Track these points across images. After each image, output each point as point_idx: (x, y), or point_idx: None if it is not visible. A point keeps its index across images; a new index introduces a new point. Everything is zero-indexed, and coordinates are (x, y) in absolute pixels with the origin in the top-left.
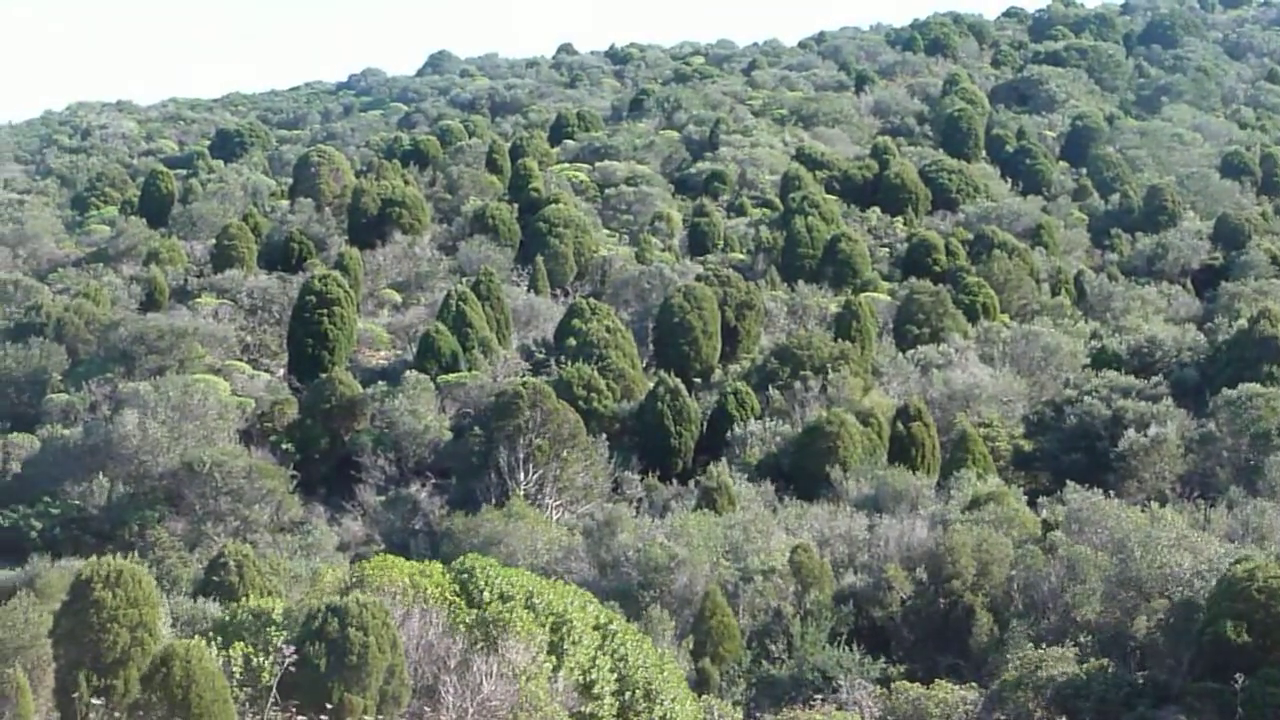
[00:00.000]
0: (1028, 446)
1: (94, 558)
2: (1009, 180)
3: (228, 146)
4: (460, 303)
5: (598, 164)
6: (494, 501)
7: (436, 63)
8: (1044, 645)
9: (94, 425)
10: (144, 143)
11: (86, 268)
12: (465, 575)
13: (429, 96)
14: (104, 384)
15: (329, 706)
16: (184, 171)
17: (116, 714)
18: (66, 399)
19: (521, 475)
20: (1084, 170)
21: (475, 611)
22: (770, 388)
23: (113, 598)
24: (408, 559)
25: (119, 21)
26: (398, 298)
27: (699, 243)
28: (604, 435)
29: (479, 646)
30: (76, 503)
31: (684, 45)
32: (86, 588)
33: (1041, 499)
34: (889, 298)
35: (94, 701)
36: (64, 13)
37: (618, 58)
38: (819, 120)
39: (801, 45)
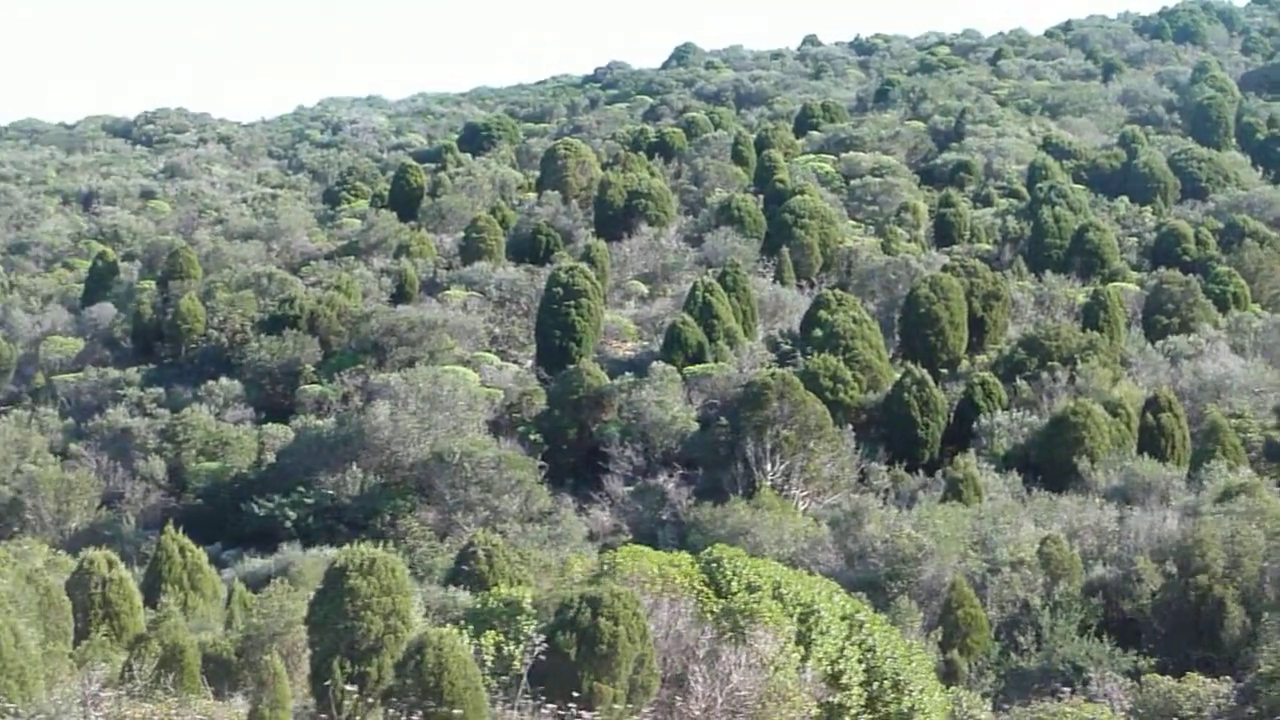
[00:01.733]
0: None
1: (347, 546)
2: (1260, 168)
3: (476, 140)
4: (706, 294)
5: (843, 155)
6: (741, 492)
7: (682, 55)
8: None
9: (346, 416)
10: (393, 137)
11: (338, 261)
12: (713, 565)
13: (674, 89)
14: (356, 375)
15: (578, 695)
16: (433, 165)
17: (370, 700)
18: (319, 390)
19: (768, 466)
20: None
21: (723, 602)
22: (1017, 378)
23: (366, 586)
24: (655, 549)
25: (369, 18)
26: (644, 289)
27: (945, 233)
28: (850, 426)
29: (727, 636)
30: (330, 492)
31: (929, 35)
32: (341, 576)
33: None
34: (1137, 288)
35: (348, 688)
36: (315, 11)
37: (862, 48)
38: (1066, 109)
39: (1048, 34)
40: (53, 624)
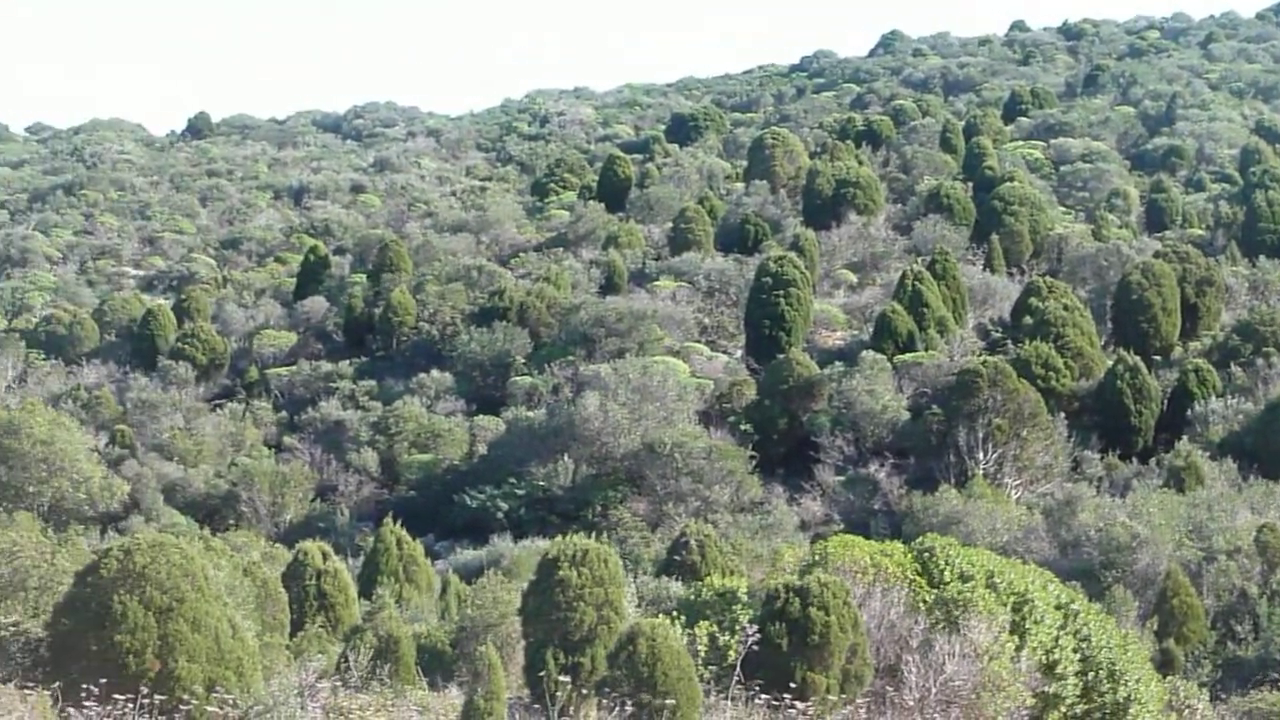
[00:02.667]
0: None
1: (559, 538)
2: None
3: (683, 130)
4: (916, 282)
5: (1052, 141)
6: (953, 481)
7: (888, 43)
8: None
9: (556, 407)
10: (600, 128)
11: (547, 252)
12: (925, 554)
13: (881, 77)
14: (565, 366)
15: (792, 685)
16: (640, 156)
17: (584, 691)
18: (530, 381)
19: (980, 454)
20: None
21: (936, 591)
22: (1232, 365)
23: (579, 577)
24: (867, 538)
25: (576, 11)
26: (853, 278)
27: (1156, 219)
28: (1062, 414)
29: (940, 626)
30: (541, 483)
31: (1138, 19)
32: (554, 567)
33: None
34: None
35: (561, 679)
36: (523, 4)
37: (1071, 33)
38: (1279, 93)
39: (1260, 17)
40: (269, 616)
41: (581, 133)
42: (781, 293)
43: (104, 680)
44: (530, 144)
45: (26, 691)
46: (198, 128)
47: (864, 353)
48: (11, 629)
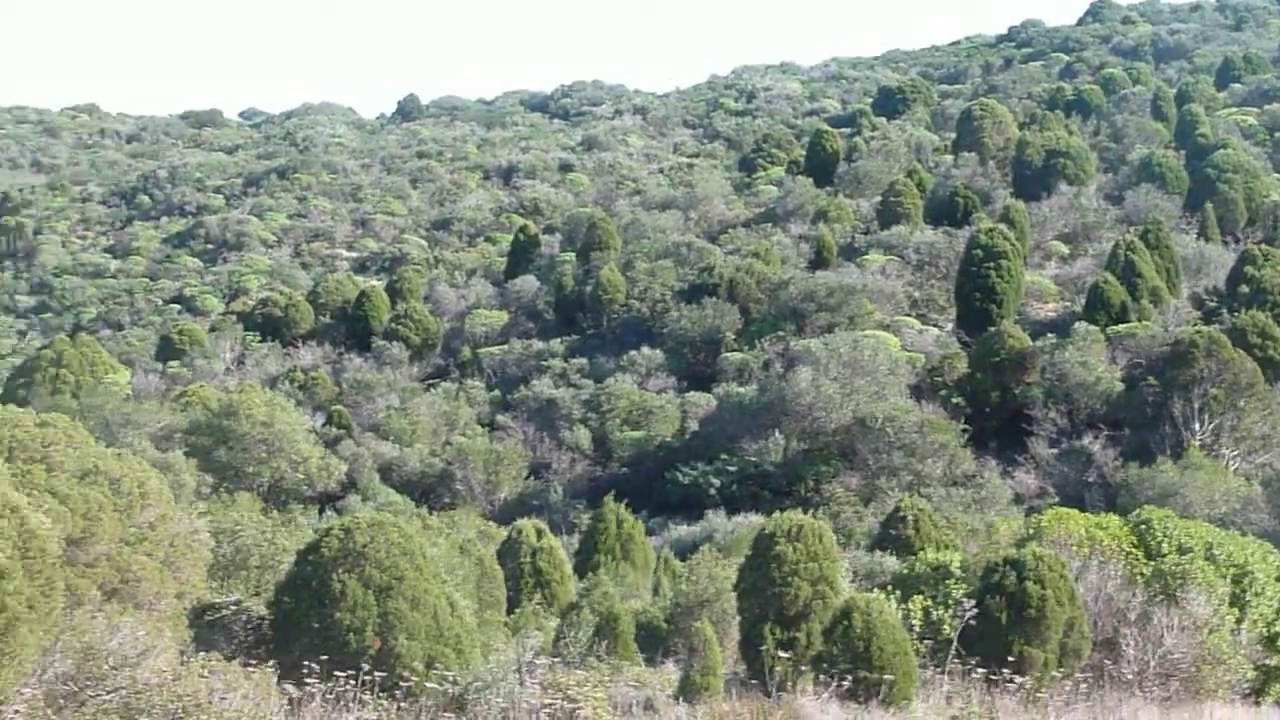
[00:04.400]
0: None
1: (773, 513)
2: None
3: (890, 103)
4: (1129, 252)
5: (1266, 107)
6: (1168, 452)
7: (1097, 11)
8: None
9: (768, 383)
10: (807, 103)
11: (755, 228)
12: (1142, 527)
13: (1090, 45)
14: (776, 342)
15: (1009, 659)
16: (847, 130)
17: (800, 666)
18: (740, 357)
19: (1196, 425)
20: None
21: (1153, 564)
22: None
23: (794, 552)
24: (1082, 511)
25: None
26: (1064, 249)
27: None
28: None
29: (1158, 599)
30: (753, 459)
31: None
32: (769, 542)
33: None
34: None
35: (777, 654)
36: None
37: None
38: None
39: None
40: (486, 593)
41: (788, 107)
42: (992, 265)
43: (325, 657)
44: (737, 120)
45: (250, 668)
46: (407, 110)
47: (1076, 324)
48: (234, 607)
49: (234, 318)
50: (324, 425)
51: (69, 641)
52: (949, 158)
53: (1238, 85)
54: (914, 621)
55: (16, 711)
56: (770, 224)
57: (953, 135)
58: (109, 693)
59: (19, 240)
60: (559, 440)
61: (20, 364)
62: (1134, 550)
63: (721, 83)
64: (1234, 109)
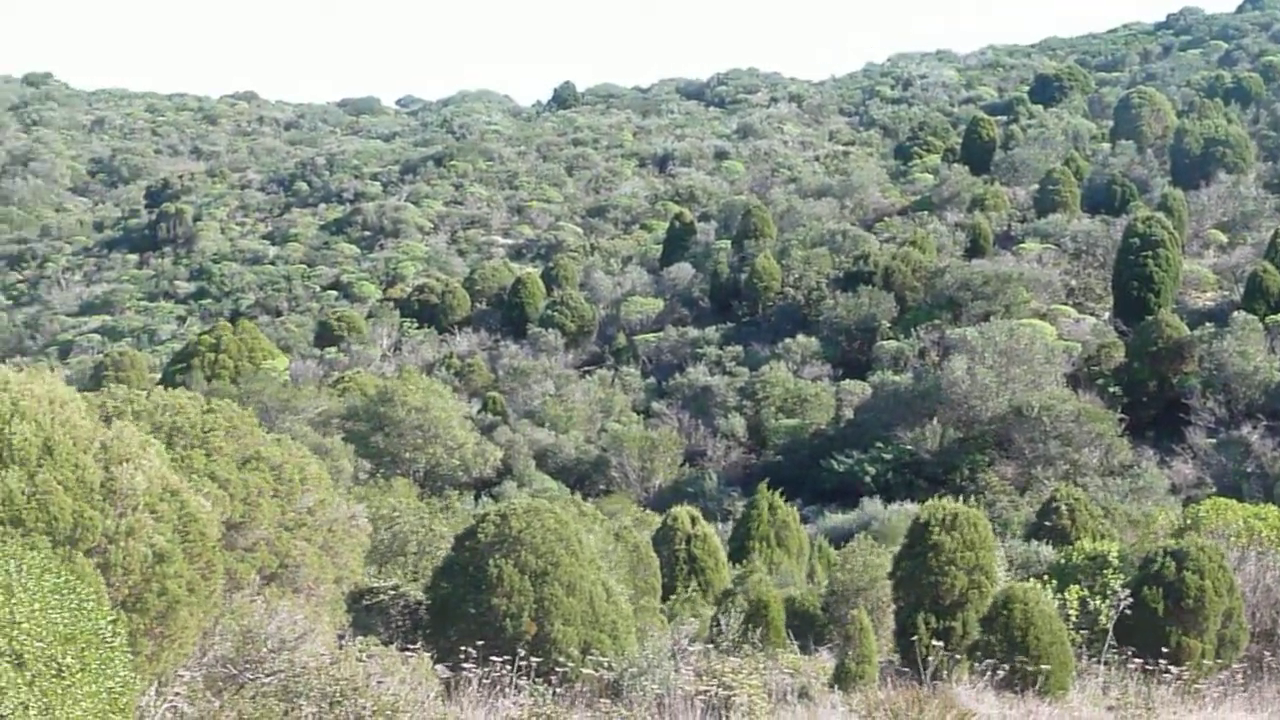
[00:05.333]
0: None
1: (929, 501)
2: None
3: (1047, 91)
4: None
5: None
6: None
7: None
8: None
9: (923, 371)
10: (963, 90)
11: (911, 216)
12: None
13: (1249, 33)
14: (931, 330)
15: (1165, 650)
16: (1004, 118)
17: (955, 656)
18: (896, 345)
19: None
20: None
21: None
22: None
23: (950, 541)
24: (1240, 502)
25: None
26: (1223, 238)
27: None
28: None
29: None
30: (908, 447)
31: None
32: (924, 531)
33: None
34: None
35: (933, 643)
36: None
37: None
38: None
39: None
40: (642, 579)
41: (944, 95)
42: (1150, 254)
43: (481, 642)
44: (893, 107)
45: (407, 653)
46: (563, 98)
47: (1235, 313)
48: (391, 592)
49: (391, 304)
50: (480, 411)
51: (228, 625)
52: (1106, 146)
53: None
54: (1070, 611)
55: (177, 694)
56: (926, 212)
57: (1110, 123)
58: (267, 676)
59: (179, 227)
60: (714, 427)
61: (180, 349)
62: None
63: (877, 70)
64: None
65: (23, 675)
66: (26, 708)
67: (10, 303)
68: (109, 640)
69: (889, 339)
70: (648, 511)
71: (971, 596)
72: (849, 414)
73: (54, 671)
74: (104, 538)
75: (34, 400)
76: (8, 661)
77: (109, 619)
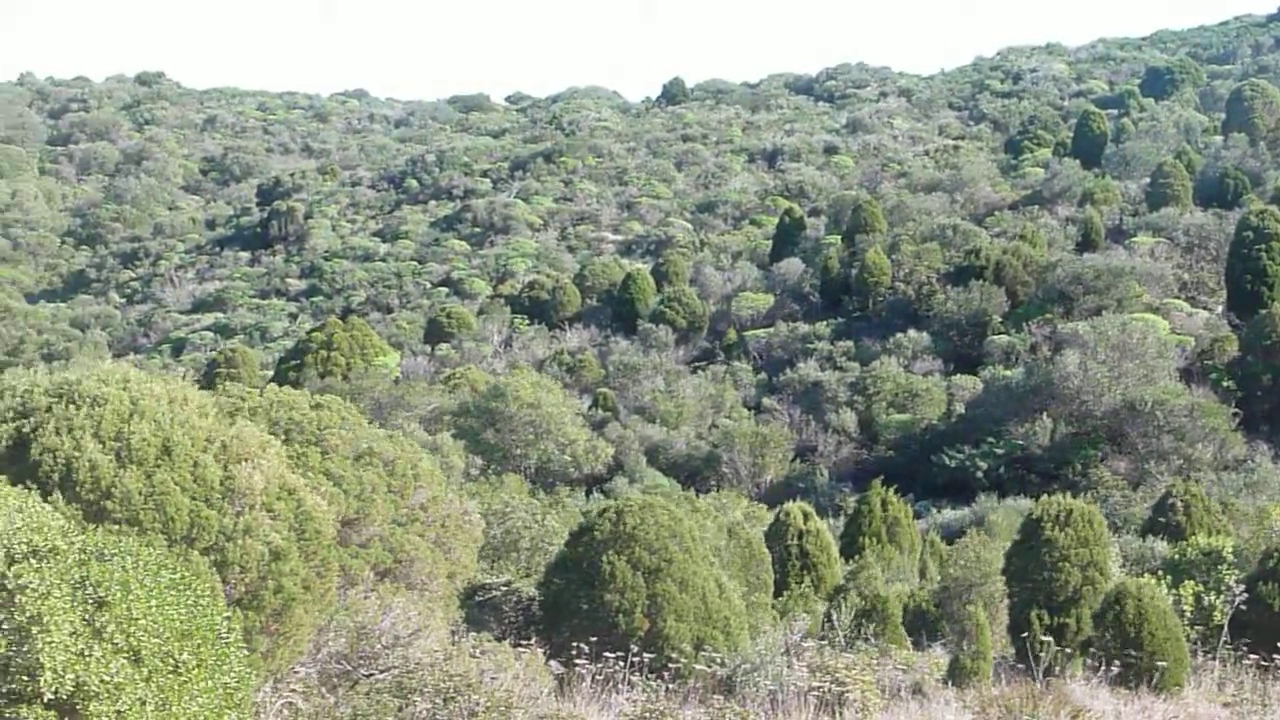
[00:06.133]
0: None
1: (1042, 497)
2: None
3: (1158, 84)
4: None
5: None
6: None
7: None
8: None
9: (1034, 366)
10: (1074, 84)
11: (1022, 210)
12: None
13: None
14: (1043, 325)
15: None
16: (1115, 111)
17: (1069, 651)
18: (1007, 340)
19: None
20: None
21: None
22: None
23: (1064, 537)
24: None
25: None
26: None
27: None
28: None
29: None
30: (1020, 442)
31: None
32: (1038, 527)
33: None
34: None
35: (1046, 639)
36: None
37: None
38: None
39: None
40: (754, 575)
41: (1054, 89)
42: (1263, 247)
43: (594, 638)
44: (1003, 101)
45: (520, 649)
46: (672, 93)
47: None
48: (504, 588)
49: (501, 300)
50: (590, 408)
51: (343, 621)
52: (1218, 139)
53: None
54: (1185, 607)
55: (292, 690)
56: (1037, 206)
57: (1222, 116)
58: (382, 671)
59: (290, 224)
60: (825, 423)
61: (292, 346)
62: None
63: (987, 64)
64: None
65: (140, 671)
66: (143, 703)
67: (124, 300)
68: (224, 636)
69: (1000, 334)
70: (760, 507)
71: (1085, 592)
72: (960, 409)
73: (170, 667)
74: (221, 536)
75: (153, 399)
76: (125, 658)
77: (224, 615)
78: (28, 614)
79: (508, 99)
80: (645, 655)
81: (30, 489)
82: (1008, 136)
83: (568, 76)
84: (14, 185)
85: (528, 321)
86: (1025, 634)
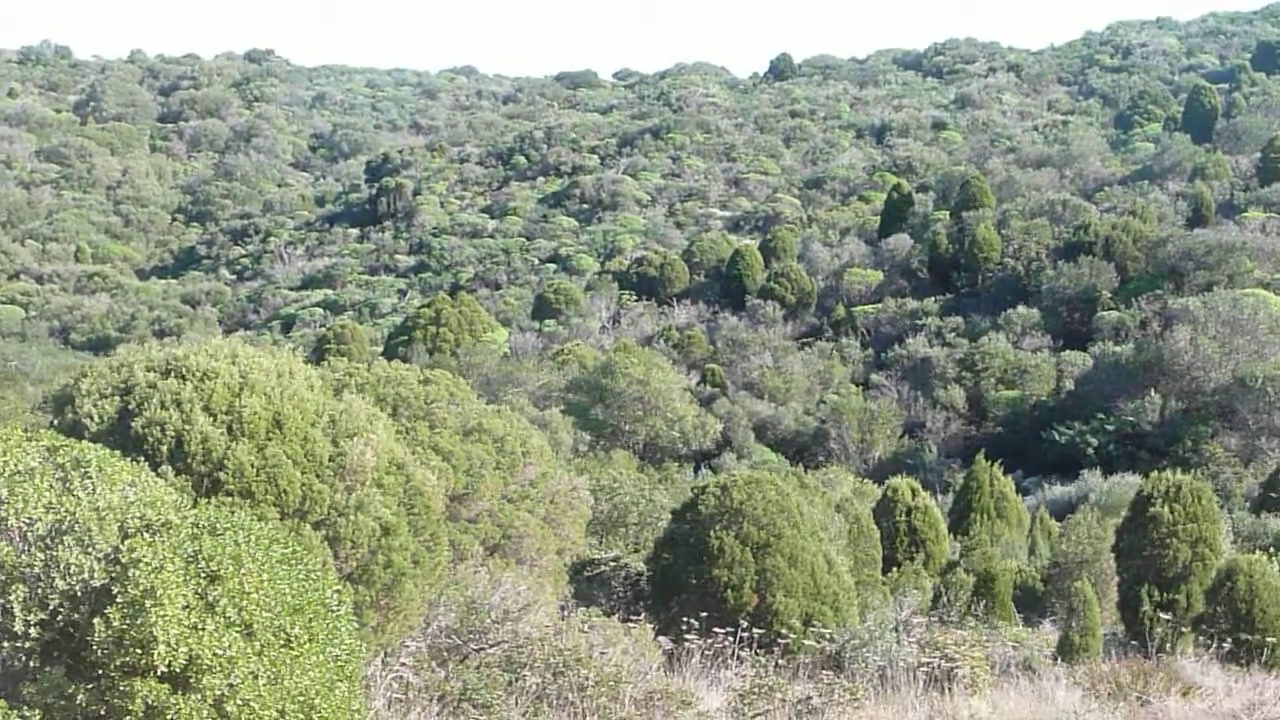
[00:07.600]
0: None
1: (1152, 474)
2: None
3: (1270, 58)
4: None
5: None
6: None
7: None
8: None
9: (1145, 342)
10: (1184, 59)
11: (1132, 185)
12: None
13: None
14: (1153, 300)
15: None
16: (1226, 85)
17: (1180, 628)
18: (1117, 316)
19: None
20: None
21: None
22: None
23: (1172, 513)
24: None
25: None
26: None
27: None
28: None
29: None
30: (1130, 419)
31: None
32: (1147, 503)
33: None
34: None
35: (1157, 615)
36: None
37: None
38: None
39: None
40: (862, 551)
41: (1165, 63)
42: None
43: (703, 614)
44: (1113, 76)
45: (629, 624)
46: (780, 69)
47: None
48: (613, 563)
49: (609, 277)
50: (699, 384)
51: (452, 596)
52: None
53: None
54: None
55: (402, 664)
56: (1147, 181)
57: None
58: (491, 646)
59: (399, 201)
60: (933, 399)
61: (401, 323)
62: None
63: (1096, 39)
64: None
65: (252, 645)
66: (255, 676)
67: (234, 277)
68: (335, 610)
69: (1110, 309)
70: (868, 483)
71: (1195, 569)
72: (1070, 385)
73: (282, 641)
74: (332, 511)
75: (263, 374)
76: (237, 631)
77: (335, 589)
78: (141, 588)
79: (615, 75)
80: (754, 631)
81: (139, 462)
82: (1117, 111)
83: (675, 53)
84: (125, 162)
85: (635, 298)
86: (1135, 610)
